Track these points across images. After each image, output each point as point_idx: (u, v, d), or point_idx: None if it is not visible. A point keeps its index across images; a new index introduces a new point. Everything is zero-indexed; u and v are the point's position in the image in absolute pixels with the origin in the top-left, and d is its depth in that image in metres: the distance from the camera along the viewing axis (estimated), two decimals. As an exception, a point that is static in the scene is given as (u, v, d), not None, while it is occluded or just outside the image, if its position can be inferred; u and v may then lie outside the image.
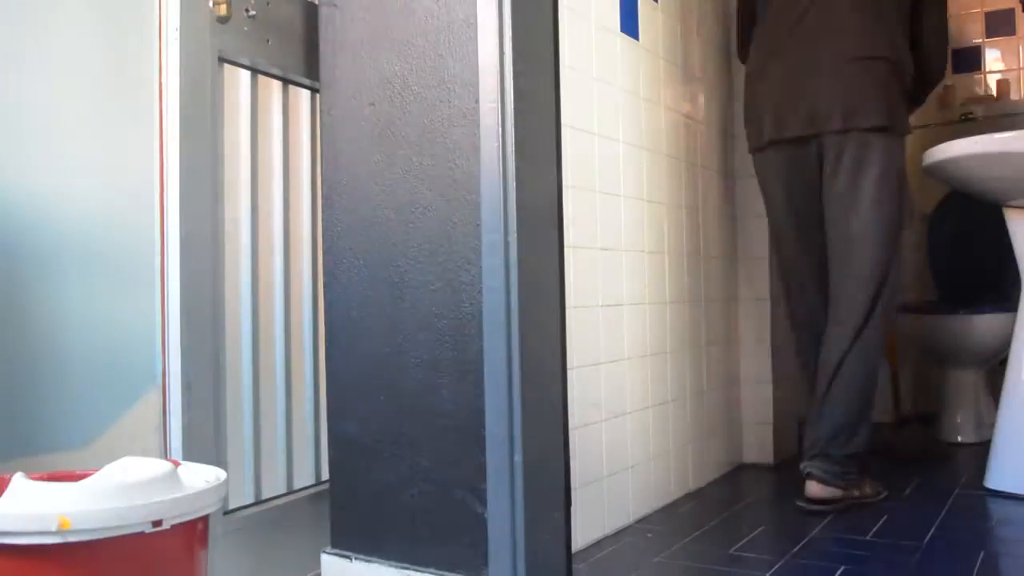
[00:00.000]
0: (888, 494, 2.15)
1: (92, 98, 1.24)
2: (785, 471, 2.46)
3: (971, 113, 3.23)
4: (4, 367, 1.12)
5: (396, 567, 1.32)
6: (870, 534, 1.81)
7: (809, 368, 2.23)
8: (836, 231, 2.11)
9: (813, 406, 2.13)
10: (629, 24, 2.01)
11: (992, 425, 2.25)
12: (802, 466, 2.06)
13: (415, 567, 1.31)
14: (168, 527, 0.89)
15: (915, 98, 2.26)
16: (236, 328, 1.47)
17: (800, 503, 2.03)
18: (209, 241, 1.37)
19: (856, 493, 2.07)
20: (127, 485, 0.89)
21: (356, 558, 1.37)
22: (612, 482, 1.87)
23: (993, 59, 3.37)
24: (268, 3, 1.49)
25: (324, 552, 1.41)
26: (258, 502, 1.50)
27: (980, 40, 3.39)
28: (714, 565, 1.64)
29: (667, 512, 2.05)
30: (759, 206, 2.58)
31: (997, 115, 3.20)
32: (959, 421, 2.84)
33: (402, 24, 1.34)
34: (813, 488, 2.02)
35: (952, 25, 3.44)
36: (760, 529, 1.89)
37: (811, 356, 2.21)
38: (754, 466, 2.55)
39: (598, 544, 1.79)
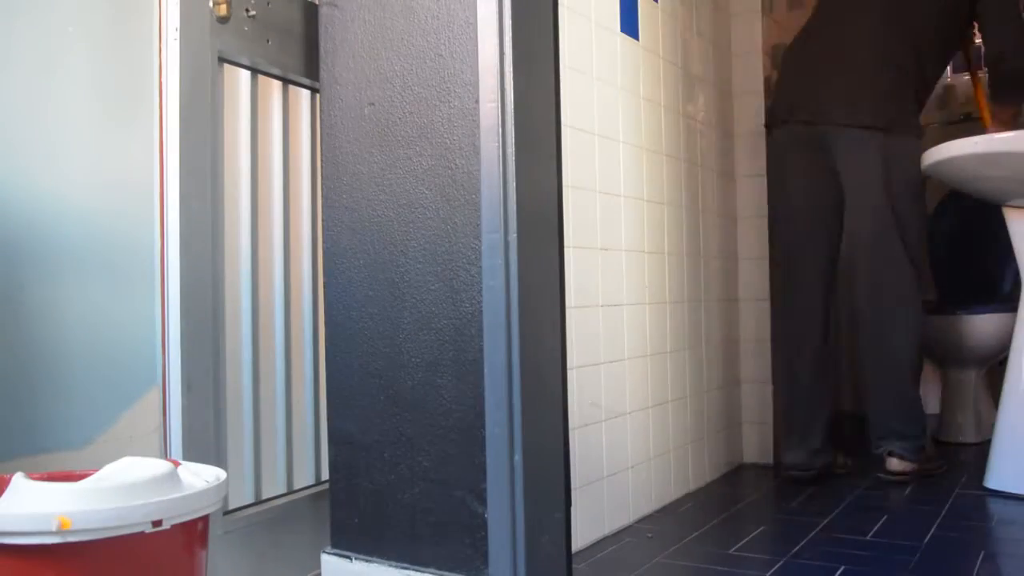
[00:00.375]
0: (947, 468, 2.34)
1: (92, 98, 1.24)
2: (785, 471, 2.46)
3: (971, 113, 3.22)
4: (4, 367, 1.12)
5: (396, 567, 1.32)
6: (870, 534, 1.81)
7: (795, 367, 2.36)
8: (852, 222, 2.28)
9: (865, 392, 2.31)
10: (629, 24, 2.01)
11: (992, 425, 2.25)
12: (880, 449, 2.26)
13: (415, 567, 1.31)
14: (168, 527, 0.89)
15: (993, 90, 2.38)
16: (236, 328, 1.47)
17: (881, 475, 2.25)
18: (209, 241, 1.37)
19: (928, 467, 2.26)
20: (127, 485, 0.89)
21: (356, 558, 1.37)
22: (612, 482, 1.87)
23: (993, 59, 3.36)
24: (268, 3, 1.49)
25: (324, 552, 1.41)
26: (258, 502, 1.50)
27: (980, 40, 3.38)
28: (714, 565, 1.64)
29: (667, 512, 2.05)
30: (759, 206, 2.58)
31: (997, 115, 3.19)
32: (959, 421, 2.84)
33: (402, 24, 1.34)
34: (894, 463, 2.24)
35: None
36: (760, 529, 1.89)
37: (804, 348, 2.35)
38: (754, 466, 2.54)
39: (598, 544, 1.79)
